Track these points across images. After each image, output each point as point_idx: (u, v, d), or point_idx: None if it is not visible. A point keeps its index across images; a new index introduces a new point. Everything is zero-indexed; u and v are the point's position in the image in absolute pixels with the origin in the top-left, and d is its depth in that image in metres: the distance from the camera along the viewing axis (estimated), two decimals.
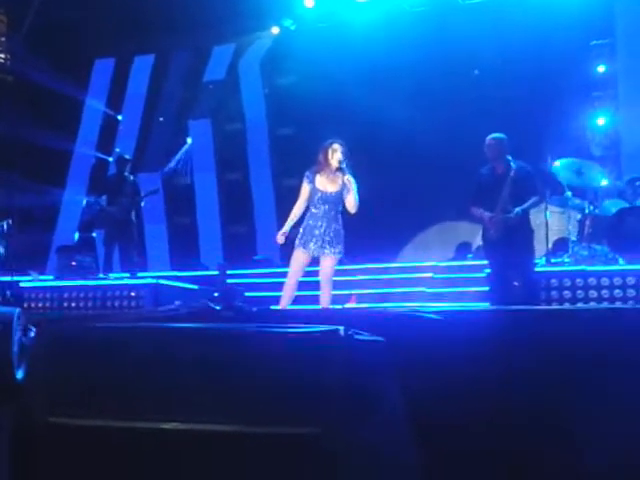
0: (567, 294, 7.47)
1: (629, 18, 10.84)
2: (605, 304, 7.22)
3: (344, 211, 6.45)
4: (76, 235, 12.97)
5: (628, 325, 3.34)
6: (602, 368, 3.19)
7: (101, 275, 9.95)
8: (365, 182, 6.70)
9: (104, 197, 10.28)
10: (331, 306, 6.28)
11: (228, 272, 8.90)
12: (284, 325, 3.02)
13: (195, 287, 9.35)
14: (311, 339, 2.81)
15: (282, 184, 12.50)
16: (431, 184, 10.81)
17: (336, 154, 6.31)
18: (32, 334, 3.49)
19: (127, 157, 10.43)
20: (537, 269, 7.58)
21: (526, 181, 7.05)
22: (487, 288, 8.08)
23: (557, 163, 8.25)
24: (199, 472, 2.77)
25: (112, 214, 9.83)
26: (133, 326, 3.62)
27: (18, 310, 3.47)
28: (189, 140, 13.47)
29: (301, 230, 6.41)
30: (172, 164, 13.35)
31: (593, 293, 7.41)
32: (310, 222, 6.35)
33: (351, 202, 6.31)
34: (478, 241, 10.59)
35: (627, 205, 8.33)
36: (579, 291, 7.45)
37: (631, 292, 7.29)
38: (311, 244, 6.29)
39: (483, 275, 8.24)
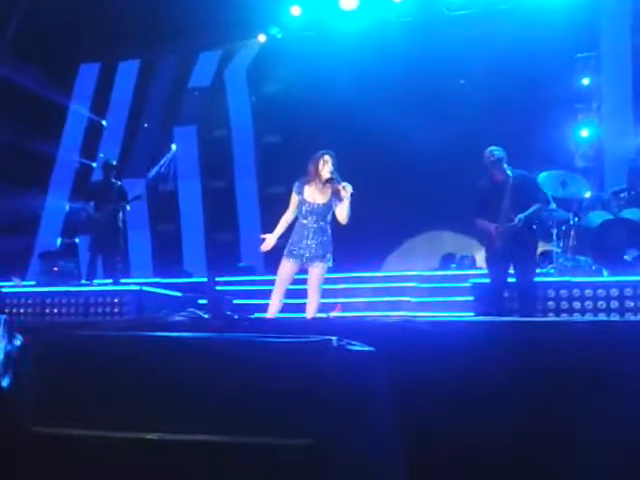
0: (551, 305, 7.50)
1: (614, 31, 10.94)
2: (589, 315, 7.25)
3: (331, 220, 6.42)
4: (58, 241, 12.87)
5: (620, 337, 3.35)
6: (594, 381, 3.20)
7: (84, 281, 9.87)
8: None
9: (91, 203, 10.18)
10: (317, 315, 6.25)
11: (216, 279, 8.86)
12: (276, 335, 2.99)
13: (179, 294, 9.30)
14: (304, 349, 2.78)
15: (267, 192, 12.50)
16: (416, 193, 10.85)
17: (327, 165, 6.29)
18: (18, 342, 3.43)
19: (113, 163, 10.36)
20: None
21: (526, 189, 7.02)
22: (471, 298, 8.11)
23: (542, 174, 8.29)
24: None
25: (99, 220, 9.75)
26: (120, 335, 3.57)
27: (4, 317, 3.41)
28: (174, 146, 13.43)
29: (290, 241, 6.37)
30: (157, 170, 13.29)
31: (577, 304, 7.45)
32: (298, 233, 6.32)
33: (342, 213, 6.28)
34: (462, 251, 10.66)
35: (611, 217, 8.38)
36: (563, 302, 7.48)
37: (614, 304, 7.33)
38: (299, 255, 6.26)
39: (467, 285, 8.26)
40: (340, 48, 11.52)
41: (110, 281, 9.74)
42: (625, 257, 7.81)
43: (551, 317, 7.24)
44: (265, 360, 2.80)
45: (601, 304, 7.39)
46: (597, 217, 8.44)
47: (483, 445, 3.17)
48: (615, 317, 7.01)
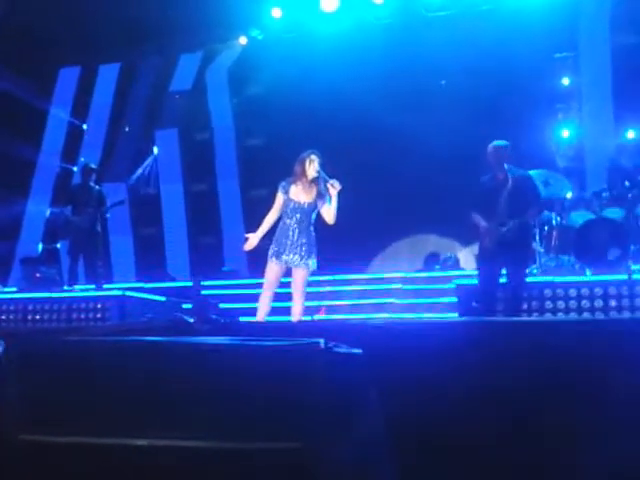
0: (535, 305, 7.51)
1: (592, 31, 11.02)
2: (573, 314, 7.28)
3: (316, 222, 6.42)
4: (40, 246, 12.76)
5: (605, 336, 3.37)
6: (580, 379, 3.21)
7: (66, 287, 9.79)
8: None
9: (69, 207, 10.10)
10: (303, 317, 6.24)
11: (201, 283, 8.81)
12: (262, 338, 2.98)
13: (163, 299, 9.25)
14: (291, 352, 2.77)
15: (250, 195, 12.46)
16: (400, 195, 10.85)
17: (313, 164, 6.30)
18: (1, 349, 3.39)
19: (93, 166, 10.27)
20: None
21: (526, 190, 6.89)
22: (455, 299, 8.12)
23: None
24: None
25: (77, 224, 9.66)
26: (106, 340, 3.54)
27: None
28: (155, 150, 13.37)
29: (273, 242, 6.36)
30: (138, 174, 13.23)
31: (561, 304, 7.47)
32: (283, 233, 6.31)
33: (330, 212, 6.30)
34: (446, 252, 10.69)
35: (593, 216, 8.42)
36: (547, 302, 7.50)
37: (599, 302, 7.36)
38: (284, 255, 6.25)
39: (452, 286, 8.27)
40: (321, 50, 11.51)
41: (92, 286, 9.67)
42: (608, 256, 7.86)
43: (535, 317, 7.26)
44: (252, 364, 2.79)
45: (585, 303, 7.42)
46: (579, 217, 8.48)
47: (470, 445, 3.17)
48: (599, 316, 7.03)
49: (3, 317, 9.21)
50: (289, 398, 2.65)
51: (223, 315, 6.46)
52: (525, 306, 7.42)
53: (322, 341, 2.74)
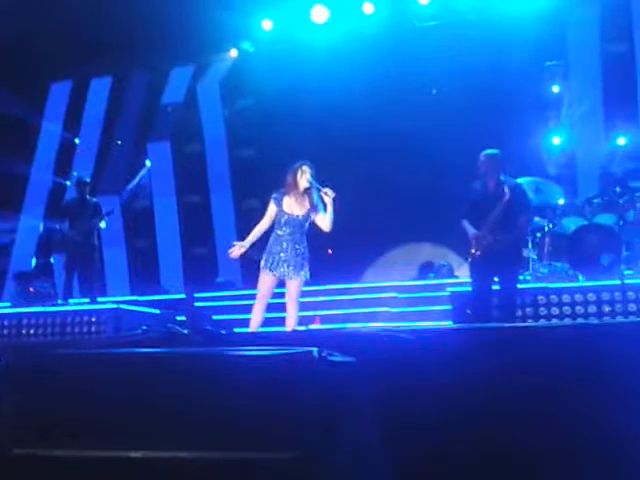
0: (530, 311, 7.53)
1: (582, 40, 11.10)
2: (567, 320, 7.29)
3: (310, 232, 6.43)
4: (33, 261, 12.72)
5: (601, 340, 3.38)
6: (579, 385, 3.22)
7: (60, 301, 9.76)
8: None
9: (66, 222, 10.07)
10: (297, 327, 6.24)
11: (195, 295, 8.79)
12: (256, 348, 2.98)
13: (157, 312, 9.22)
14: (286, 361, 2.77)
15: (243, 206, 12.47)
16: (392, 204, 10.87)
17: (305, 175, 6.32)
18: None
19: (87, 180, 10.29)
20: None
21: (519, 201, 6.88)
22: (450, 307, 8.12)
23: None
24: None
25: (74, 238, 9.65)
26: (100, 353, 3.54)
27: None
28: (148, 162, 13.37)
29: (266, 253, 6.37)
30: (131, 187, 13.22)
31: (555, 310, 7.49)
32: (275, 245, 6.32)
33: (325, 221, 6.32)
34: (440, 260, 10.70)
35: (585, 223, 8.45)
36: (541, 308, 7.52)
37: (592, 308, 7.38)
38: (277, 267, 6.26)
39: (446, 294, 8.28)
40: (312, 61, 11.56)
41: (87, 300, 9.65)
42: (601, 262, 7.88)
43: (530, 323, 7.27)
44: (247, 373, 2.79)
45: (579, 309, 7.44)
46: (571, 223, 8.52)
47: (465, 452, 3.17)
48: (593, 321, 7.05)
49: None
50: (284, 407, 2.66)
51: (217, 326, 6.45)
52: (519, 313, 7.43)
53: (316, 350, 2.76)
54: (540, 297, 7.57)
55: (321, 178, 6.54)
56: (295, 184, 6.32)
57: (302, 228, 6.35)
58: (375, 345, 3.43)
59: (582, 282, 7.82)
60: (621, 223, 8.26)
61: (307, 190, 6.33)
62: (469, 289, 7.27)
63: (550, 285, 7.77)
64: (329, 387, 2.77)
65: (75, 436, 2.88)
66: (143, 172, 13.34)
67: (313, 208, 6.35)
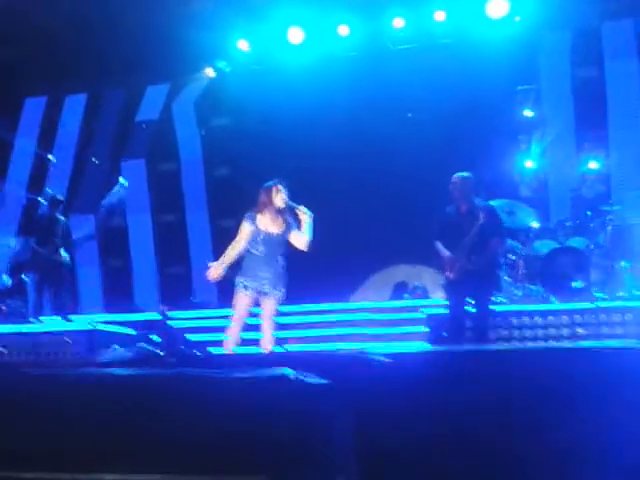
0: (504, 334, 7.58)
1: (553, 65, 11.28)
2: (541, 343, 7.35)
3: (288, 252, 6.42)
4: (5, 278, 12.56)
5: (573, 363, 3.41)
6: (553, 407, 3.24)
7: (31, 319, 9.65)
8: None
9: (33, 238, 9.99)
10: (272, 348, 6.22)
11: (169, 315, 8.73)
12: (230, 369, 2.97)
13: (133, 332, 9.12)
14: (259, 383, 2.77)
15: (219, 225, 12.43)
16: (368, 225, 10.89)
17: (280, 194, 6.32)
18: None
19: (60, 198, 10.23)
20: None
21: (492, 223, 6.92)
22: (426, 329, 8.14)
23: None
24: None
25: (43, 255, 9.58)
26: (70, 373, 3.51)
27: None
28: (122, 180, 13.29)
29: (241, 273, 6.34)
30: (105, 205, 13.12)
31: (528, 332, 7.55)
32: (251, 264, 6.30)
33: (302, 239, 6.30)
34: (414, 281, 10.73)
35: (558, 245, 8.55)
36: (515, 330, 7.58)
37: (565, 331, 7.45)
38: (253, 286, 6.24)
39: (421, 316, 8.31)
40: (288, 81, 11.61)
41: (58, 318, 9.55)
42: (573, 284, 7.98)
43: (503, 345, 7.31)
44: (221, 395, 2.78)
45: (552, 331, 7.50)
46: (544, 246, 8.61)
47: (442, 474, 3.18)
48: (566, 344, 7.11)
49: None
50: (258, 429, 2.65)
51: (191, 346, 6.42)
52: (493, 335, 7.47)
53: (291, 372, 2.75)
54: (513, 319, 7.64)
55: (296, 198, 6.55)
56: (270, 202, 6.32)
57: (279, 247, 6.34)
58: (349, 367, 3.43)
59: (555, 305, 7.90)
60: (592, 246, 8.37)
61: (282, 208, 6.33)
62: (445, 312, 7.30)
63: (523, 307, 7.85)
64: (303, 409, 2.76)
65: (47, 459, 2.85)
66: (117, 188, 13.25)
67: (288, 226, 6.34)
